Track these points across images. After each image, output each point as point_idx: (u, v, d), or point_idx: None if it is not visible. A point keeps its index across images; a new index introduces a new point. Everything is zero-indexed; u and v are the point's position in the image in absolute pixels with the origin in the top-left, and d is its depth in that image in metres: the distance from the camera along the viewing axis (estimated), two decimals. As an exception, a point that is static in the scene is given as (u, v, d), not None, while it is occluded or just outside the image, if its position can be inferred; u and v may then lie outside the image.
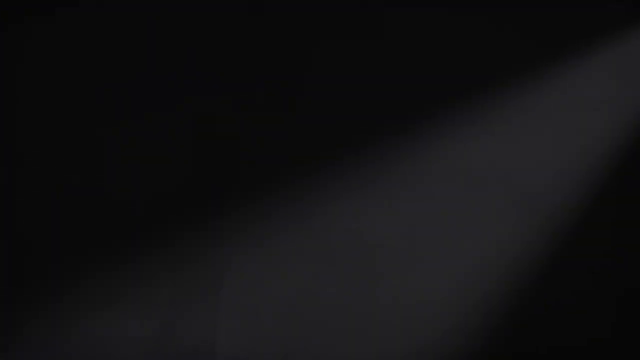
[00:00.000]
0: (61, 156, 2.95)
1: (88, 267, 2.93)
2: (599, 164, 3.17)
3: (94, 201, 2.95)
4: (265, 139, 3.03)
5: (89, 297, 2.93)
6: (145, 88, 2.99)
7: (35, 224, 2.92)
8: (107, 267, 2.94)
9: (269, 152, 3.03)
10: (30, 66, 2.95)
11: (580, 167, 3.16)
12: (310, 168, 3.04)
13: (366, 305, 3.05)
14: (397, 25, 3.12)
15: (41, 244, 2.92)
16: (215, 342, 2.96)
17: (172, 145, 3.00)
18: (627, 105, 3.20)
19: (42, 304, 2.91)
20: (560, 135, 3.16)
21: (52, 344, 2.91)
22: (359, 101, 3.08)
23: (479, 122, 3.13)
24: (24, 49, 2.95)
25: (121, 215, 2.96)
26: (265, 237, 3.01)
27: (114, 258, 2.94)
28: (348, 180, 3.06)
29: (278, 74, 3.05)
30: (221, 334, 2.97)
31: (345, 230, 3.05)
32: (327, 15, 3.08)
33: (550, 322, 3.12)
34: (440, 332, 3.07)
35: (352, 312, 3.04)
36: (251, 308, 2.99)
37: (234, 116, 3.03)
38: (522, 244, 3.12)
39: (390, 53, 3.11)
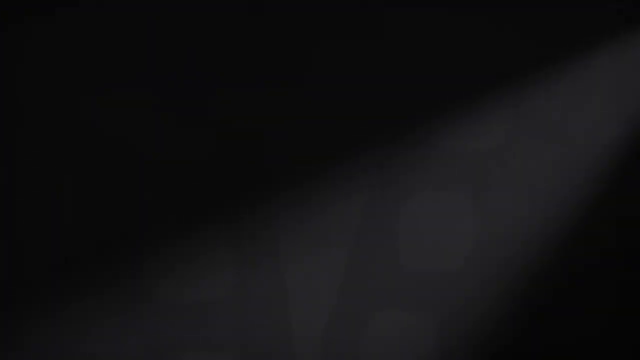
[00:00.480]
0: (62, 156, 2.95)
1: (87, 274, 2.93)
2: (600, 164, 3.17)
3: (93, 202, 2.95)
4: (264, 138, 3.03)
5: (88, 306, 2.93)
6: (145, 88, 2.99)
7: (35, 225, 2.92)
8: (106, 274, 2.94)
9: (268, 152, 3.03)
10: (30, 66, 2.95)
11: (581, 167, 3.17)
12: (310, 169, 3.04)
13: (370, 304, 3.05)
14: (397, 25, 3.12)
15: (39, 249, 2.92)
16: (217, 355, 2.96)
17: (172, 146, 3.00)
18: (627, 105, 3.20)
19: (40, 312, 2.91)
20: (561, 135, 3.16)
21: (48, 353, 2.91)
22: (359, 101, 3.08)
23: (479, 121, 3.13)
24: (24, 49, 2.95)
25: (121, 218, 2.96)
26: (265, 239, 3.01)
27: (114, 265, 2.95)
28: (349, 181, 3.06)
29: (278, 74, 3.05)
30: (224, 344, 2.97)
31: (344, 230, 3.05)
32: (327, 15, 3.08)
33: (550, 321, 3.12)
34: (441, 332, 3.08)
35: (359, 310, 3.04)
36: (255, 312, 2.99)
37: (234, 116, 3.03)
38: (524, 243, 3.13)
39: (390, 53, 3.11)
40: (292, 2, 3.07)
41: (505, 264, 3.11)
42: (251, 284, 3.00)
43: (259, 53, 3.05)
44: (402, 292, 3.06)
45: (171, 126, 3.00)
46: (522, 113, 3.15)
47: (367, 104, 3.08)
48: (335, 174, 3.05)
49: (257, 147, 3.03)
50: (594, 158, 3.17)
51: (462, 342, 3.09)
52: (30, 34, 2.95)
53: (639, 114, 3.20)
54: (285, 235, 3.02)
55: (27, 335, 2.90)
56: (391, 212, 3.07)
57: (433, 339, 3.07)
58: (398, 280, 3.06)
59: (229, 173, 3.01)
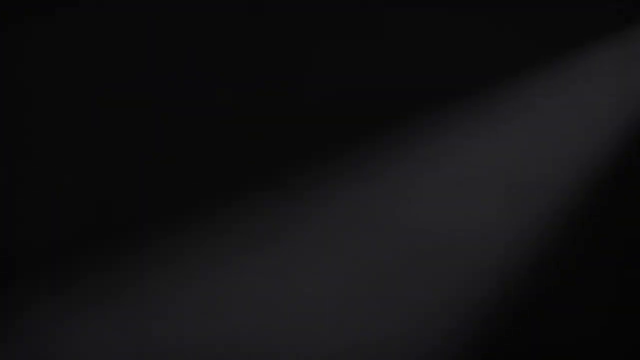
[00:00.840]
0: (61, 156, 2.95)
1: (83, 275, 2.93)
2: (599, 163, 3.17)
3: (93, 202, 2.95)
4: (264, 138, 3.03)
5: (73, 298, 2.93)
6: (145, 88, 2.99)
7: (34, 225, 2.92)
8: (92, 268, 2.94)
9: (268, 152, 3.03)
10: (30, 66, 2.95)
11: (580, 167, 3.16)
12: (310, 169, 3.04)
13: (367, 303, 3.05)
14: (397, 25, 3.12)
15: (39, 249, 2.92)
16: (206, 347, 2.96)
17: (171, 146, 3.00)
18: (627, 104, 3.20)
19: (22, 304, 2.91)
20: (560, 135, 3.16)
21: (29, 346, 2.91)
22: (360, 101, 3.08)
23: (479, 121, 3.13)
24: (24, 49, 2.95)
25: (121, 218, 2.96)
26: (265, 239, 3.01)
27: (101, 259, 2.95)
28: (348, 181, 3.06)
29: (278, 74, 3.05)
30: (214, 337, 2.97)
31: (343, 230, 3.05)
32: (327, 16, 3.09)
33: (548, 319, 3.12)
34: (440, 331, 3.07)
35: (353, 309, 3.04)
36: (245, 308, 2.99)
37: (234, 116, 3.03)
38: (521, 241, 3.12)
39: (390, 53, 3.11)
40: (292, 2, 3.07)
41: (503, 262, 3.11)
42: (249, 283, 3.00)
43: (259, 53, 3.05)
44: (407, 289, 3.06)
45: (171, 126, 3.00)
46: (522, 111, 3.15)
47: (367, 104, 3.08)
48: (335, 174, 3.05)
49: (257, 147, 3.03)
50: (593, 157, 3.17)
51: (452, 339, 3.08)
52: (30, 34, 2.95)
53: (639, 113, 3.20)
54: (286, 235, 3.02)
55: (19, 334, 2.90)
56: (391, 210, 3.07)
57: (424, 339, 3.07)
58: (405, 276, 3.06)
59: (229, 173, 3.01)
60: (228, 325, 2.98)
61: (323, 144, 3.05)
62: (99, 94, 2.98)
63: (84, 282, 2.92)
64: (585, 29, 3.18)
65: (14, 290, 2.90)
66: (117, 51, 2.99)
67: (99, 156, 2.96)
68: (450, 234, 3.10)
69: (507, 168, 3.13)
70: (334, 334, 3.03)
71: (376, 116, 3.08)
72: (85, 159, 2.95)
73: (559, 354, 3.12)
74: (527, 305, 3.11)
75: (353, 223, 3.05)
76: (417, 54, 3.12)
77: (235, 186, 3.01)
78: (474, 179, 3.12)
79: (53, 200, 2.93)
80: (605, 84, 3.19)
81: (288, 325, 3.00)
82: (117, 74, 2.99)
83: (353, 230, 3.05)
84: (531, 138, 3.15)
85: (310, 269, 3.03)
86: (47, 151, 2.94)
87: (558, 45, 3.18)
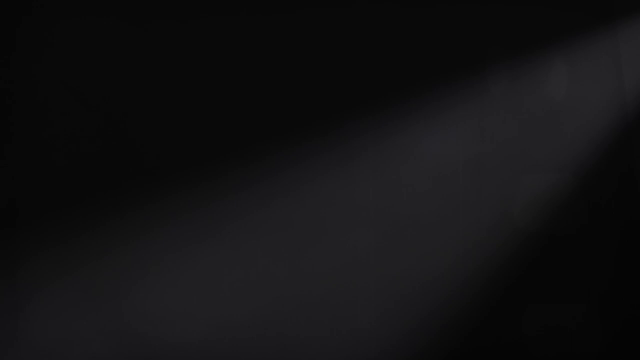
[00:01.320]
0: (62, 156, 2.94)
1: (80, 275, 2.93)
2: (597, 160, 3.19)
3: (93, 201, 2.94)
4: (263, 138, 3.04)
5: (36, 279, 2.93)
6: (145, 88, 2.99)
7: (35, 224, 2.91)
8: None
9: (267, 151, 3.03)
10: (30, 66, 2.94)
11: (577, 163, 3.18)
12: (308, 165, 3.05)
13: (340, 293, 3.06)
14: (390, 22, 3.13)
15: (39, 250, 2.91)
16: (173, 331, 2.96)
17: (170, 145, 2.99)
18: (625, 101, 3.22)
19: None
20: (558, 132, 3.18)
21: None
22: (359, 101, 3.09)
23: (477, 118, 3.14)
24: (24, 49, 2.94)
25: (120, 217, 2.95)
26: (251, 229, 3.02)
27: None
28: (343, 176, 3.06)
29: (278, 74, 3.06)
30: (180, 321, 2.97)
31: (328, 222, 3.05)
32: (326, 15, 3.09)
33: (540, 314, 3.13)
34: (422, 319, 3.08)
35: (330, 297, 3.05)
36: (214, 292, 2.99)
37: (233, 116, 3.03)
38: (511, 235, 3.14)
39: (387, 50, 3.12)
40: (292, 2, 3.07)
41: (503, 252, 3.12)
42: (236, 275, 3.00)
43: (259, 53, 3.05)
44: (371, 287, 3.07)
45: (171, 126, 2.99)
46: (520, 110, 3.17)
47: (366, 103, 3.09)
48: (334, 170, 3.05)
49: (255, 146, 3.03)
50: (591, 154, 3.19)
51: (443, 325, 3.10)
52: (30, 34, 2.94)
53: (636, 110, 3.23)
54: (279, 230, 3.02)
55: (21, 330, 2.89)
56: (389, 205, 3.08)
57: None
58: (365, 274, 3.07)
59: (226, 171, 3.01)
60: (205, 316, 2.98)
61: (321, 141, 3.06)
62: (100, 94, 2.97)
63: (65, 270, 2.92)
64: (582, 27, 3.20)
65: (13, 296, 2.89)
66: (117, 51, 2.99)
67: (99, 155, 2.95)
68: (437, 223, 3.11)
69: (503, 163, 3.15)
70: (319, 325, 3.03)
71: (375, 114, 3.09)
72: (84, 159, 2.95)
73: (546, 344, 3.13)
74: (506, 293, 3.13)
75: (342, 218, 3.06)
76: (412, 49, 3.13)
77: (230, 183, 3.01)
78: (471, 176, 3.13)
79: (53, 201, 2.92)
80: (603, 81, 3.21)
81: (271, 315, 3.01)
82: (118, 74, 2.98)
83: (350, 227, 3.06)
84: (527, 134, 3.16)
85: (303, 261, 3.04)
86: (46, 150, 2.93)
87: (556, 42, 3.19)
